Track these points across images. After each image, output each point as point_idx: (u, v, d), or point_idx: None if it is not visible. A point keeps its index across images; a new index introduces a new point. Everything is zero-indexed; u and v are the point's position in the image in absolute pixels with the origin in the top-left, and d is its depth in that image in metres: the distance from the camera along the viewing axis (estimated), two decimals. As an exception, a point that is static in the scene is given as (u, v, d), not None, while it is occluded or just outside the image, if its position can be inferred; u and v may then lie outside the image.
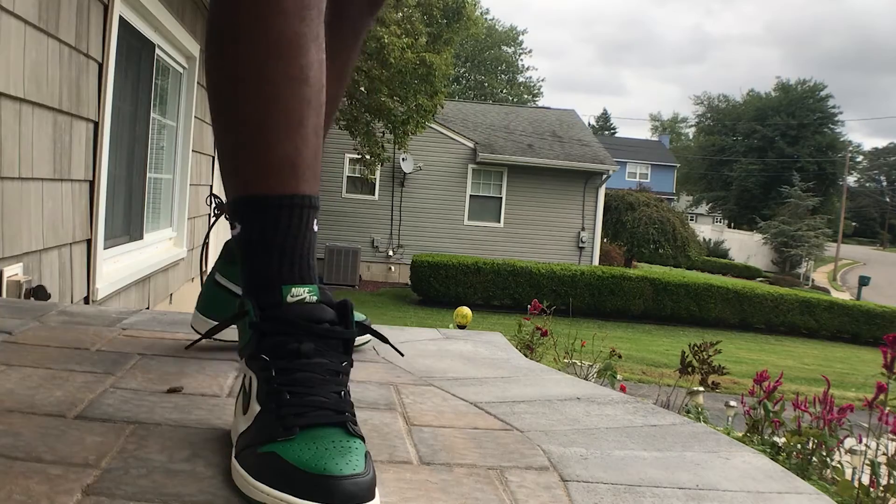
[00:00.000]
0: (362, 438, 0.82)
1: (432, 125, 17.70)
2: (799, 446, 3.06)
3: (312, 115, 0.91)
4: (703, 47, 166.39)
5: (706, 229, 44.07)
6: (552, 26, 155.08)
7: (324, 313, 0.87)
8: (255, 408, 0.84)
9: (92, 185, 3.03)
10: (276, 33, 0.89)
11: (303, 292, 0.88)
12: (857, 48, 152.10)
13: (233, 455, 0.84)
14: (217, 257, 1.37)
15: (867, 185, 67.53)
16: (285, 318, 0.86)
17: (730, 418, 4.41)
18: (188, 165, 5.07)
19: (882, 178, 67.46)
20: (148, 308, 4.18)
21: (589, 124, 34.98)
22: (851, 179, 60.25)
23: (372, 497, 0.75)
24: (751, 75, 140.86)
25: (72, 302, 2.85)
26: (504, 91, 51.14)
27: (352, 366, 0.90)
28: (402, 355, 1.12)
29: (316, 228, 0.93)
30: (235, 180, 0.92)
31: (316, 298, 0.88)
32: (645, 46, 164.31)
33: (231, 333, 1.51)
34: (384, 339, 1.01)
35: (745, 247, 39.68)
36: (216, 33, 0.94)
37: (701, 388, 4.76)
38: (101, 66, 3.03)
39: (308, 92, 0.91)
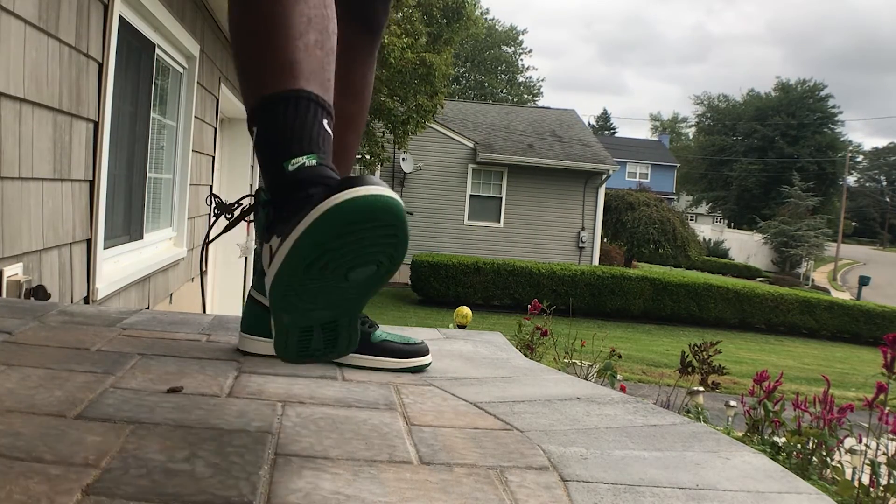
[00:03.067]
0: None
1: (432, 125, 17.70)
2: (799, 446, 3.06)
3: (313, 32, 1.02)
4: (704, 46, 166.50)
5: (706, 229, 44.05)
6: (553, 25, 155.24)
7: (325, 171, 0.91)
8: None
9: (92, 184, 3.02)
10: None
11: (301, 159, 0.92)
12: (860, 47, 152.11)
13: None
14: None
15: (867, 185, 67.50)
16: (290, 181, 0.90)
17: (730, 418, 4.41)
18: (188, 165, 5.07)
19: (882, 178, 67.45)
20: (148, 308, 4.18)
21: (589, 124, 34.97)
22: (851, 179, 60.31)
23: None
24: (753, 75, 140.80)
25: (72, 302, 2.85)
26: (504, 91, 51.13)
27: None
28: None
29: (329, 129, 0.98)
30: (251, 92, 1.02)
31: (316, 162, 0.92)
32: (646, 45, 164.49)
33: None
34: None
35: (745, 247, 39.66)
36: None
37: (701, 388, 4.76)
38: (101, 66, 3.03)
39: (307, 10, 1.01)
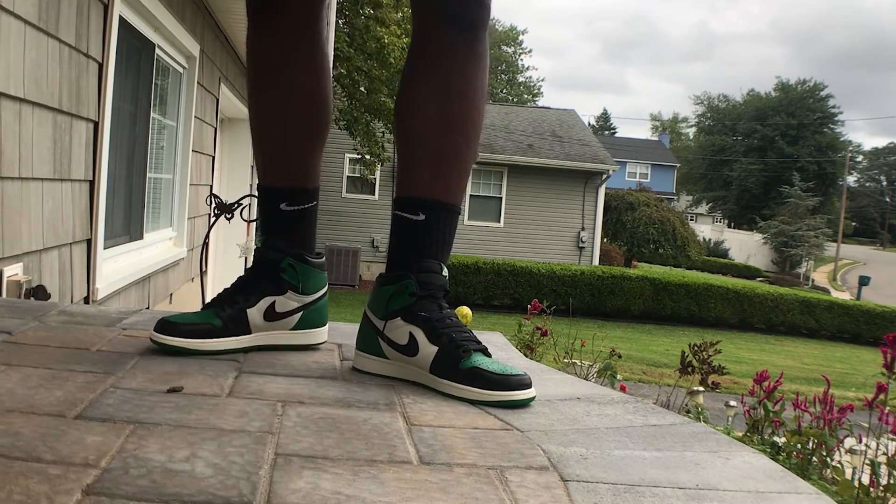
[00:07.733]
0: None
1: (432, 125, 17.66)
2: (799, 446, 3.05)
3: (470, 158, 1.40)
4: (707, 45, 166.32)
5: (706, 229, 44.04)
6: (554, 24, 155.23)
7: (447, 283, 1.33)
8: (431, 349, 1.27)
9: (92, 185, 3.02)
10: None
11: (446, 271, 1.34)
12: (863, 47, 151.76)
13: (437, 379, 1.26)
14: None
15: (867, 185, 67.48)
16: (437, 286, 1.31)
17: (730, 418, 4.41)
18: (188, 165, 5.07)
19: (882, 178, 67.43)
20: (148, 308, 4.18)
21: (589, 124, 34.97)
22: (851, 179, 60.30)
23: (532, 387, 1.21)
24: (756, 73, 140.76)
25: (72, 302, 2.85)
26: (504, 91, 51.14)
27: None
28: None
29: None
30: (435, 188, 1.34)
31: (446, 275, 1.34)
32: (648, 44, 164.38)
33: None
34: None
35: (745, 247, 39.66)
36: None
37: (701, 388, 4.76)
38: (101, 66, 3.03)
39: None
